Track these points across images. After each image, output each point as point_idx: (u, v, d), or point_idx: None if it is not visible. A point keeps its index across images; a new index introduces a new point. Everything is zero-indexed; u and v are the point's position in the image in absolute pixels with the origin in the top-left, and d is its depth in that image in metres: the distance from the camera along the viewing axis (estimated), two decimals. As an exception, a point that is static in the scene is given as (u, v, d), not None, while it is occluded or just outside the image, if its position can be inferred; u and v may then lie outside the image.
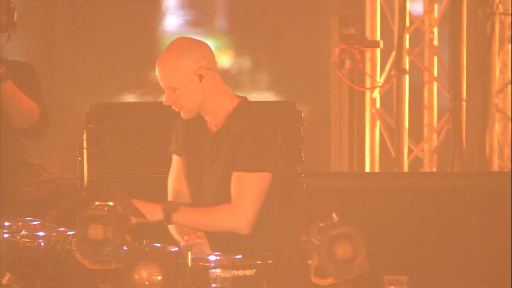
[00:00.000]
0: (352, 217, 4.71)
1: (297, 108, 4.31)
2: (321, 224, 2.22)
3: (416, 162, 7.39)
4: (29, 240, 2.73)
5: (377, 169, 7.52)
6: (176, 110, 3.12)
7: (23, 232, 2.78)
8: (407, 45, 7.30)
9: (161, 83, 3.11)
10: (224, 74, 8.64)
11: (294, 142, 4.28)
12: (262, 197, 3.04)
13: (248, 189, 3.02)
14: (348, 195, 5.22)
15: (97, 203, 2.46)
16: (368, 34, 7.54)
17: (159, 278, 2.25)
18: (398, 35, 7.20)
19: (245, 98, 3.24)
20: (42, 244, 2.70)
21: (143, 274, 2.26)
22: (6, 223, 2.87)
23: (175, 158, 3.27)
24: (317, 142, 7.40)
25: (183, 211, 3.00)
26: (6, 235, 2.79)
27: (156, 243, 2.62)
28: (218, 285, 2.30)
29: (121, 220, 2.43)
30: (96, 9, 8.20)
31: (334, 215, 2.26)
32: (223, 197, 3.09)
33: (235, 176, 3.03)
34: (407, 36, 7.29)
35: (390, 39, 7.40)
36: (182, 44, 3.17)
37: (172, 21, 8.61)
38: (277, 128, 3.15)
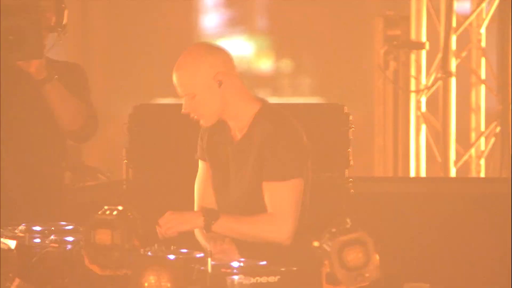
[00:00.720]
0: (396, 223, 4.65)
1: (345, 111, 4.25)
2: (333, 230, 2.18)
3: (463, 168, 7.20)
4: (56, 245, 2.72)
5: (423, 174, 7.34)
6: (195, 118, 3.06)
7: (52, 236, 2.78)
8: (453, 46, 7.14)
9: (179, 90, 3.04)
10: (264, 76, 8.67)
11: (342, 145, 4.22)
12: (299, 204, 2.97)
13: (284, 198, 2.95)
14: (392, 200, 5.13)
15: (106, 207, 2.44)
16: (413, 35, 7.36)
17: (168, 284, 2.24)
18: (445, 36, 7.04)
19: (266, 101, 3.15)
20: (69, 249, 2.71)
21: (151, 280, 2.26)
22: (38, 228, 2.89)
23: (201, 164, 3.22)
24: (361, 146, 7.26)
25: (223, 219, 2.94)
26: (37, 240, 2.81)
27: (183, 248, 2.56)
28: (237, 292, 2.29)
29: (130, 225, 2.41)
30: (134, 10, 8.16)
31: (348, 220, 2.23)
32: (251, 204, 3.02)
33: (267, 186, 2.96)
34: (454, 37, 7.13)
35: (436, 40, 7.25)
36: (199, 49, 3.13)
37: (211, 20, 8.56)
38: (302, 131, 3.07)
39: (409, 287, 2.33)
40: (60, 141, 3.96)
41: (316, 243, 2.18)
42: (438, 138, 7.22)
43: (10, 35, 3.65)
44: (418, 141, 7.31)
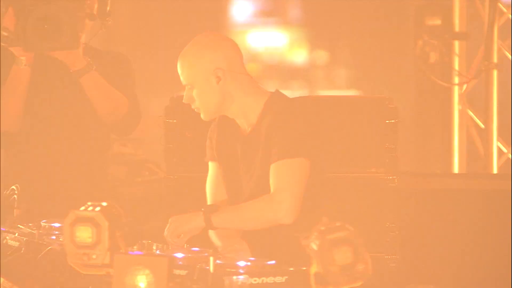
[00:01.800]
0: (438, 219, 4.52)
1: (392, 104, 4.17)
2: (322, 228, 2.14)
3: (507, 164, 6.97)
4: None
5: (465, 171, 7.14)
6: (195, 110, 3.07)
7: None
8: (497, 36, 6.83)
9: (181, 79, 3.08)
10: (298, 68, 8.52)
11: (389, 140, 4.14)
12: (302, 182, 2.92)
13: (286, 175, 2.91)
14: (435, 197, 5.07)
15: (89, 203, 2.36)
16: (455, 25, 7.09)
17: (151, 284, 2.21)
18: (488, 25, 6.72)
19: (275, 92, 3.13)
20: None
21: (134, 280, 2.22)
22: (57, 224, 2.93)
23: (211, 165, 3.21)
24: (400, 141, 7.13)
25: (221, 210, 2.95)
26: (53, 237, 2.86)
27: (195, 247, 2.61)
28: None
29: (112, 222, 2.33)
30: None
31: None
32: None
33: (272, 167, 2.93)
34: (498, 26, 6.82)
35: (479, 30, 6.97)
36: (204, 41, 3.11)
37: (243, 11, 8.44)
38: (310, 116, 3.08)
39: (413, 289, 2.23)
40: (103, 133, 3.90)
41: (304, 242, 2.14)
42: (481, 133, 6.98)
43: (45, 24, 3.58)
44: (461, 136, 7.09)
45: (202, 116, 3.06)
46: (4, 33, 3.57)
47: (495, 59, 6.76)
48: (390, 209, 4.00)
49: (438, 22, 7.04)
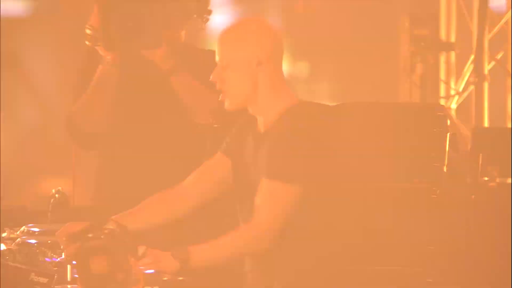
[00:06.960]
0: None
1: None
2: (90, 235, 2.30)
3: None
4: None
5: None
6: (220, 98, 2.90)
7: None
8: (487, 47, 6.69)
9: (216, 57, 2.92)
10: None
11: (435, 149, 4.00)
12: (286, 212, 2.78)
13: (275, 202, 2.78)
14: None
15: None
16: (442, 35, 7.04)
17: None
18: (478, 36, 6.57)
19: (304, 102, 2.97)
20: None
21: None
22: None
23: (219, 155, 3.04)
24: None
25: (197, 254, 2.78)
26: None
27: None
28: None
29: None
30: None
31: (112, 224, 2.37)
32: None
33: (262, 183, 2.79)
34: (488, 37, 6.69)
35: (468, 40, 6.88)
36: (254, 23, 2.98)
37: (218, 20, 8.06)
38: (330, 136, 2.90)
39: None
40: (195, 136, 3.76)
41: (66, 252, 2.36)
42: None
43: (128, 23, 3.58)
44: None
45: (226, 104, 2.88)
46: (88, 31, 3.56)
47: (486, 71, 6.63)
48: (430, 221, 3.87)
49: (425, 32, 6.98)
